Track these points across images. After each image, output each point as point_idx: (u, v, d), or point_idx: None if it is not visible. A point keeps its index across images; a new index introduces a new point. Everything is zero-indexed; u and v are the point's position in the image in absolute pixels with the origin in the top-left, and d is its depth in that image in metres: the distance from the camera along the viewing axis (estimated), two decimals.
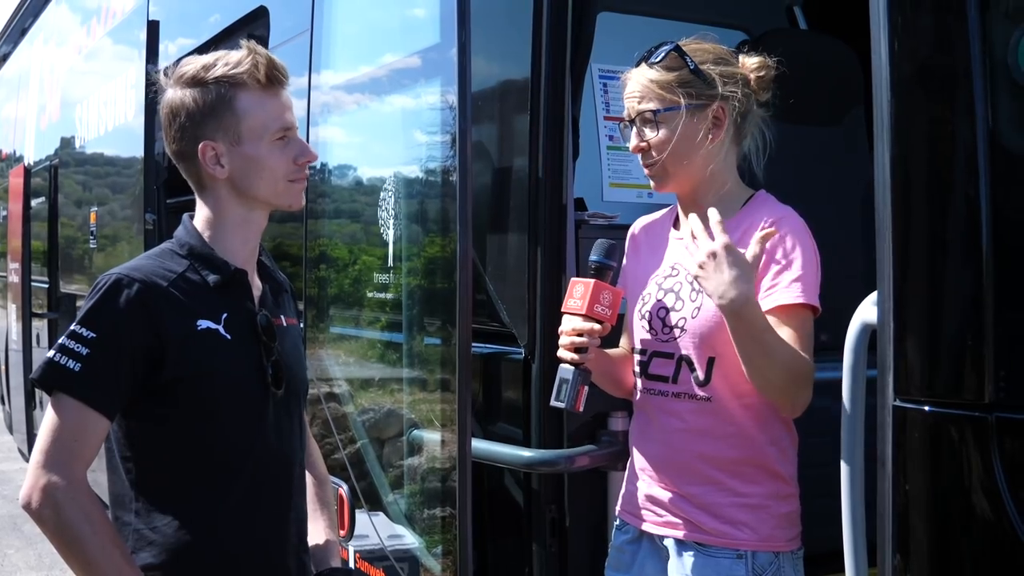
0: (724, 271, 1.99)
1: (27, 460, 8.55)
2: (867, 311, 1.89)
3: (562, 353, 2.15)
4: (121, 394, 1.85)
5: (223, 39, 4.48)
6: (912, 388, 1.66)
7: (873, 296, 1.92)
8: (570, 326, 2.14)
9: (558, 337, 2.18)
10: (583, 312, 2.13)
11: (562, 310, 2.18)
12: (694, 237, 2.05)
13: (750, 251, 2.01)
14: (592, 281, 2.14)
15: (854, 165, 3.27)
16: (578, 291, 2.15)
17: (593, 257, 2.17)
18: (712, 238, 2.02)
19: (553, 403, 2.14)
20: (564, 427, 2.63)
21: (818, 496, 2.23)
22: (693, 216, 2.13)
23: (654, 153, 2.19)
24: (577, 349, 2.13)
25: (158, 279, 1.90)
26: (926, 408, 1.64)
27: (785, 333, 2.06)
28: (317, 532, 2.15)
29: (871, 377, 1.83)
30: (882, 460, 1.70)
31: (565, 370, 2.14)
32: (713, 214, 2.05)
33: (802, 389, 2.09)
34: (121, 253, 5.71)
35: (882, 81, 1.69)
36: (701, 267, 2.02)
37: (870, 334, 1.87)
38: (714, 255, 2.00)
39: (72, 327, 1.86)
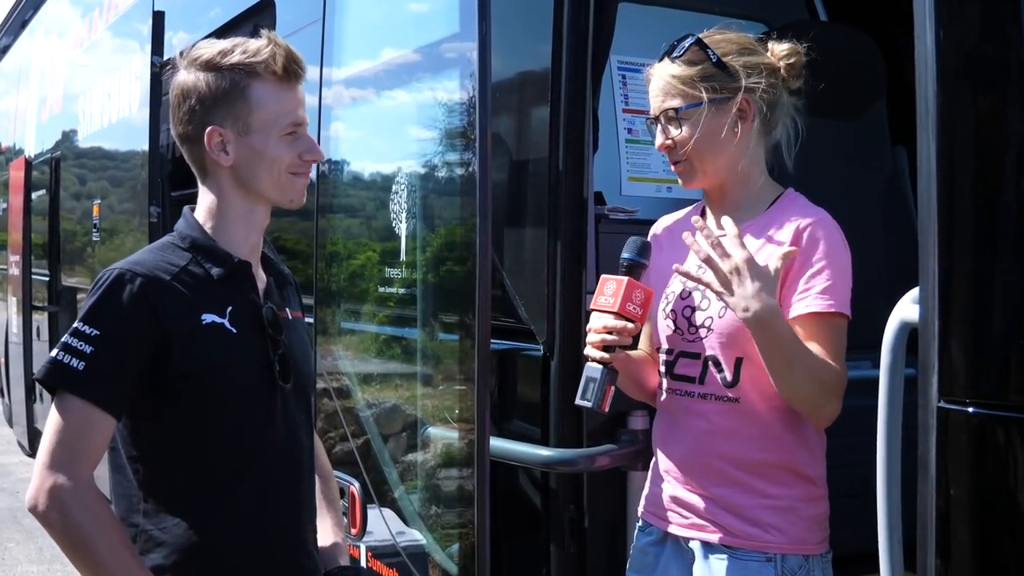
0: (747, 285, 1.95)
1: (27, 453, 8.56)
2: (906, 309, 1.85)
3: (590, 351, 2.10)
4: (127, 392, 1.81)
5: (228, 30, 4.44)
6: (956, 389, 1.61)
7: (911, 294, 1.88)
8: (601, 324, 2.09)
9: (577, 333, 2.13)
10: (615, 310, 2.08)
11: (591, 307, 2.13)
12: (713, 248, 1.99)
13: (772, 265, 1.97)
14: (625, 279, 2.08)
15: (875, 160, 3.23)
16: (609, 288, 2.10)
17: (625, 254, 2.12)
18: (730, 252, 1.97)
19: (579, 402, 2.09)
20: (583, 426, 2.58)
21: (844, 496, 2.20)
22: (710, 225, 2.07)
23: (680, 150, 2.15)
24: (606, 348, 2.08)
25: (161, 273, 1.85)
26: (970, 409, 1.59)
27: (816, 341, 2.02)
28: (324, 530, 2.11)
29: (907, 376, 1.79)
30: (924, 462, 1.66)
31: (592, 369, 2.08)
32: (730, 227, 2.00)
33: (831, 399, 2.04)
34: (125, 246, 5.66)
35: (927, 71, 1.64)
36: (723, 284, 1.97)
37: (908, 333, 1.83)
38: (736, 271, 1.95)
39: (75, 324, 1.82)
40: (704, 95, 2.10)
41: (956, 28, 1.63)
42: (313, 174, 3.22)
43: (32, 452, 8.47)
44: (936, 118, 1.62)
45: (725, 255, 1.97)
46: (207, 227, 1.94)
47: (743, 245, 1.98)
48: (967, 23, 1.64)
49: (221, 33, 4.47)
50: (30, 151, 8.94)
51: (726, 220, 2.02)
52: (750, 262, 1.96)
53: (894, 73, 3.23)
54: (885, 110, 3.20)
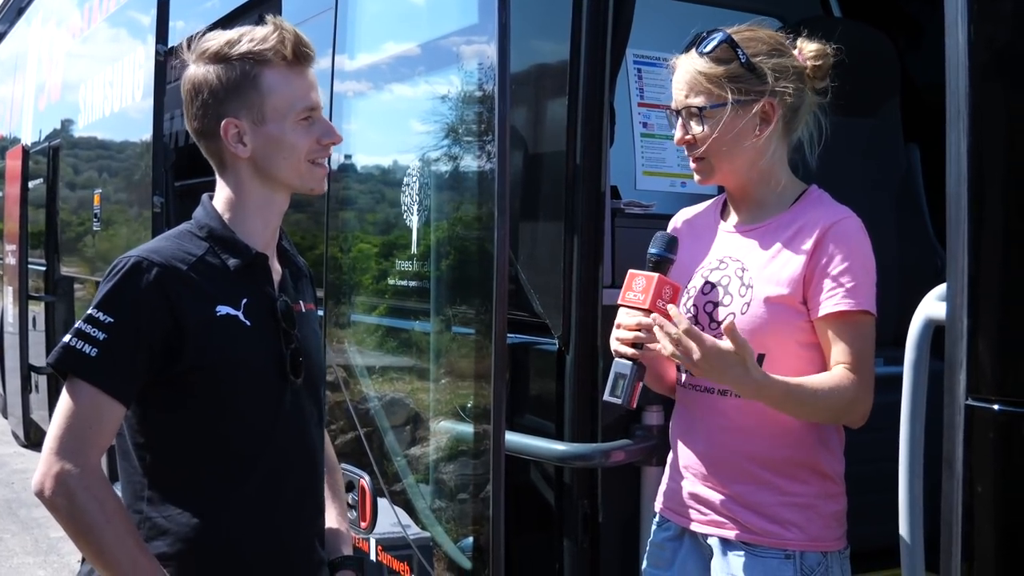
0: (723, 372, 1.98)
1: (21, 444, 8.52)
2: (931, 306, 1.84)
3: (619, 347, 2.08)
4: (138, 381, 1.79)
5: (235, 19, 4.41)
6: (983, 386, 1.60)
7: (936, 291, 1.87)
8: (633, 321, 2.07)
9: (592, 328, 2.12)
10: (646, 307, 2.05)
11: (619, 303, 2.10)
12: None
13: (727, 343, 1.96)
14: (655, 275, 2.06)
15: (889, 157, 3.22)
16: (638, 284, 2.07)
17: (653, 250, 2.10)
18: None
19: (607, 398, 2.08)
20: (599, 421, 2.58)
21: (862, 492, 2.20)
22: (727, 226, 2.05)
23: (699, 147, 2.13)
24: (635, 344, 2.07)
25: (177, 262, 1.84)
26: (996, 407, 1.58)
27: (843, 340, 2.03)
28: (328, 520, 2.10)
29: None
30: (949, 460, 1.65)
31: (622, 365, 2.07)
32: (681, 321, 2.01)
33: (852, 411, 2.05)
34: (127, 236, 5.63)
35: (958, 68, 1.63)
36: (696, 367, 1.99)
37: (933, 330, 1.83)
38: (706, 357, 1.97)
39: (89, 311, 1.80)
40: (729, 96, 2.08)
41: (987, 25, 1.62)
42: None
43: (27, 443, 8.44)
44: (967, 116, 1.61)
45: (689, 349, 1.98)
46: (225, 217, 1.92)
47: (702, 340, 1.97)
48: (999, 20, 1.63)
49: (228, 20, 4.44)
50: (27, 139, 8.89)
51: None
52: (714, 351, 1.96)
53: (908, 70, 3.23)
54: (899, 108, 3.19)
